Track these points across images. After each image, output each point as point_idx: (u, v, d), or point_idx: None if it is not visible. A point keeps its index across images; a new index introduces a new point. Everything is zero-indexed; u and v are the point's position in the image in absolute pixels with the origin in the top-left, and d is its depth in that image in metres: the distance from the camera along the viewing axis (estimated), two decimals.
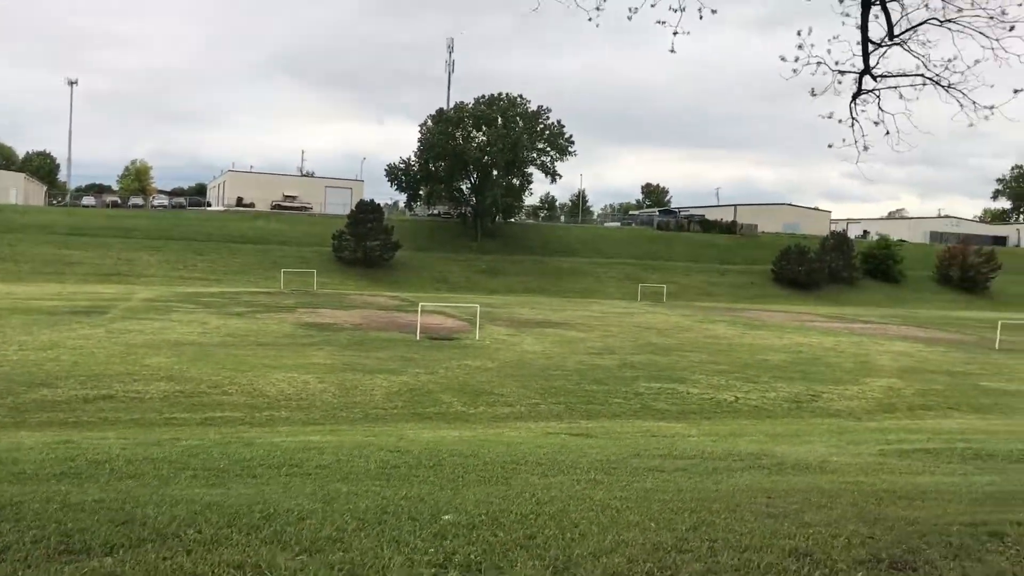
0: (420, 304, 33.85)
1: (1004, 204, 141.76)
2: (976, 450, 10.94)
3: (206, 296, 45.63)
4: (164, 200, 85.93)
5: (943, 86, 9.16)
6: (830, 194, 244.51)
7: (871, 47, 8.99)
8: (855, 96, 9.58)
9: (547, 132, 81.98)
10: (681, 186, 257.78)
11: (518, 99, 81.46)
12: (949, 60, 9.10)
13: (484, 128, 79.61)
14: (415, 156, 78.58)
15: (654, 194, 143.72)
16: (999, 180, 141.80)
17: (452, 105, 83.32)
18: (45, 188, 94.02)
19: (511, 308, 48.18)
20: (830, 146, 9.96)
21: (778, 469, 8.88)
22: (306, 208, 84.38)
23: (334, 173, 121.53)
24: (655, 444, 12.47)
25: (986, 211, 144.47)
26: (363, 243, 69.06)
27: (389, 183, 78.98)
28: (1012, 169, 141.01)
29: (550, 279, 74.49)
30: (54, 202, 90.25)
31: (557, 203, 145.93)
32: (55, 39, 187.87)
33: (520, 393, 22.07)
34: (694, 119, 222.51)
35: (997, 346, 37.79)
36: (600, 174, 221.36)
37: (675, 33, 7.98)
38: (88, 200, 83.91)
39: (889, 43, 8.58)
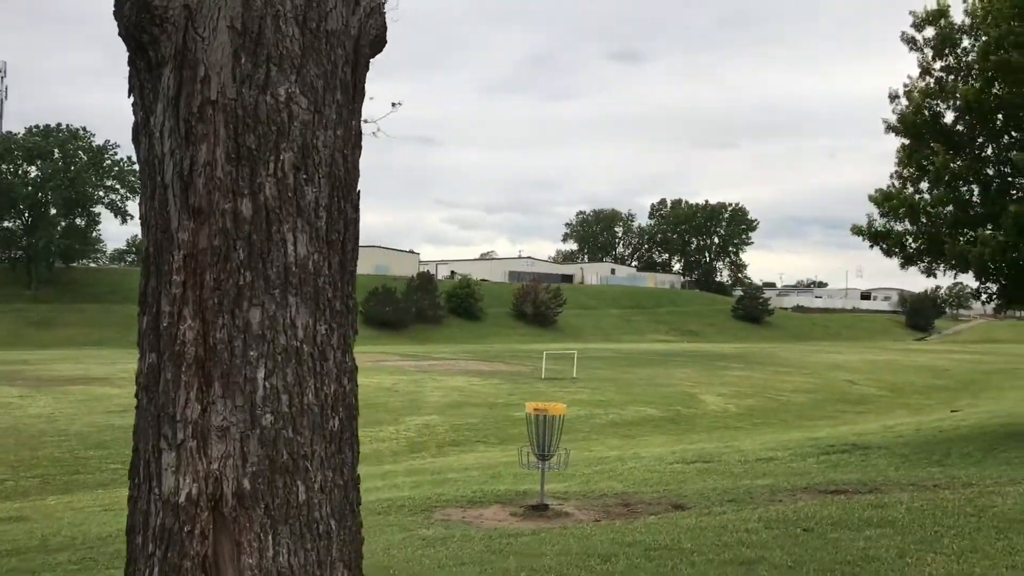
0: None
1: (572, 246, 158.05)
2: (400, 499, 10.15)
3: None
4: None
5: None
6: (433, 238, 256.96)
7: None
8: None
9: (116, 168, 75.17)
10: None
11: (80, 131, 73.78)
12: None
13: (38, 162, 70.88)
14: None
15: None
16: (567, 224, 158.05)
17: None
18: None
19: (50, 364, 42.35)
20: None
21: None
22: None
23: None
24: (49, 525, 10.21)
25: (558, 252, 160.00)
26: None
27: None
28: (577, 215, 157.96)
29: (117, 329, 67.45)
30: None
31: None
32: None
33: None
34: None
35: (543, 375, 40.30)
36: None
37: None
38: None
39: None
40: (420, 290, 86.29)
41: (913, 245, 14.31)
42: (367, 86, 2.37)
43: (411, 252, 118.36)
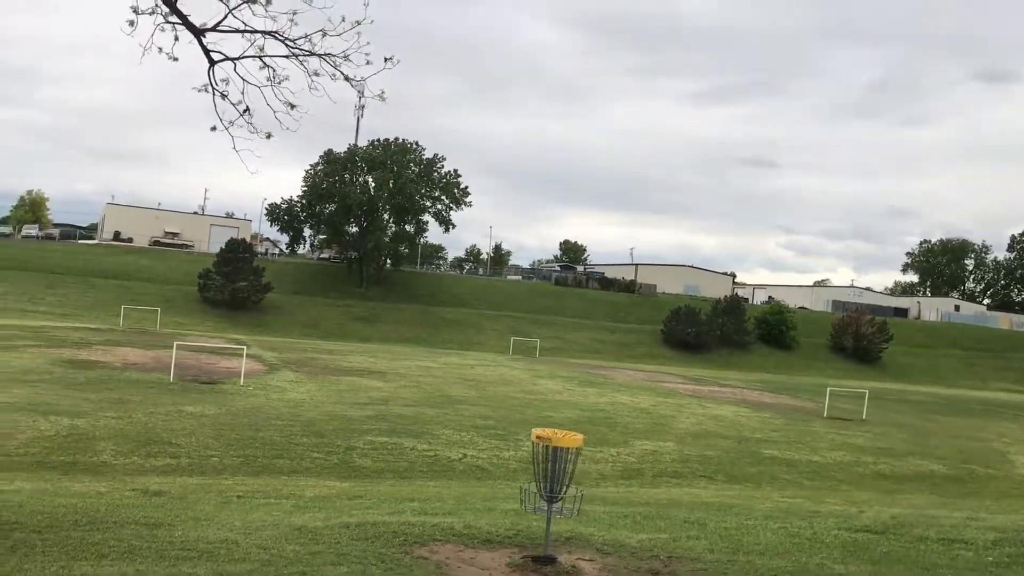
0: (175, 342, 31.12)
1: (912, 278, 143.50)
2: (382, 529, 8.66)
3: (10, 328, 42.28)
4: (33, 231, 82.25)
5: (283, 40, 7.17)
6: (769, 264, 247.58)
7: None
8: (210, 61, 7.53)
9: (442, 181, 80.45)
10: (618, 248, 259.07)
11: (412, 145, 79.95)
12: (295, 12, 7.13)
13: (374, 172, 77.86)
14: (299, 197, 76.21)
15: (571, 251, 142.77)
16: (908, 254, 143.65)
17: (345, 148, 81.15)
18: None
19: (348, 355, 45.61)
20: (213, 128, 7.92)
21: None
22: (187, 246, 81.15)
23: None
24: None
25: (896, 284, 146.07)
26: (232, 283, 66.10)
27: (270, 223, 76.44)
28: (920, 244, 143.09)
29: (430, 329, 72.14)
30: None
31: (481, 256, 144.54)
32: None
33: (205, 444, 19.58)
34: (640, 185, 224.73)
35: (825, 414, 36.24)
36: (542, 232, 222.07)
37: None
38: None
39: None
40: (727, 313, 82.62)
41: None
42: None
43: (726, 274, 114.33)
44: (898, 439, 31.08)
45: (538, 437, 7.07)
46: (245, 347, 32.67)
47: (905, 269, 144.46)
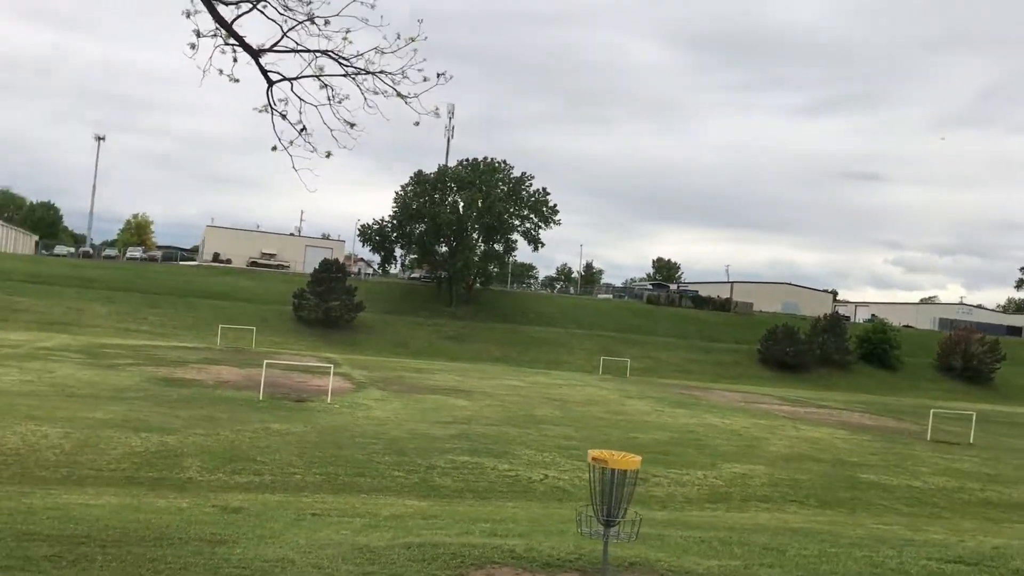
0: (265, 361, 31.72)
1: None
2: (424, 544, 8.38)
3: (112, 347, 44.05)
4: (138, 253, 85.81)
5: (336, 58, 7.11)
6: (875, 281, 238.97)
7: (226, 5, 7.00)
8: (269, 82, 7.54)
9: (531, 199, 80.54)
10: (714, 265, 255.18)
11: (501, 164, 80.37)
12: (348, 31, 7.07)
13: (463, 192, 78.50)
14: (390, 217, 77.42)
15: (665, 269, 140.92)
16: (1022, 269, 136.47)
17: (435, 169, 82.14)
18: (36, 238, 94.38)
19: (435, 374, 45.88)
20: (273, 148, 7.92)
21: None
22: (284, 266, 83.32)
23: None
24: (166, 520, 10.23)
25: (1010, 301, 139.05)
26: (325, 303, 67.47)
27: (362, 244, 77.81)
28: None
29: (518, 348, 72.06)
30: (44, 251, 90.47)
31: (572, 274, 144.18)
32: (112, 103, 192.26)
33: (288, 460, 19.79)
34: (737, 201, 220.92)
35: (929, 437, 34.56)
36: (636, 250, 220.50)
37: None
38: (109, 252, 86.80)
39: None
40: (827, 332, 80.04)
41: None
42: None
43: (826, 291, 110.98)
44: (1009, 465, 29.36)
45: (594, 459, 6.75)
46: (333, 365, 33.11)
47: (1019, 285, 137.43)
